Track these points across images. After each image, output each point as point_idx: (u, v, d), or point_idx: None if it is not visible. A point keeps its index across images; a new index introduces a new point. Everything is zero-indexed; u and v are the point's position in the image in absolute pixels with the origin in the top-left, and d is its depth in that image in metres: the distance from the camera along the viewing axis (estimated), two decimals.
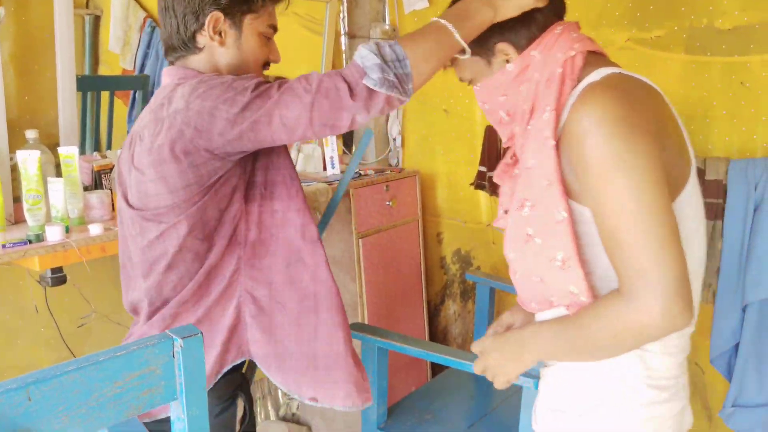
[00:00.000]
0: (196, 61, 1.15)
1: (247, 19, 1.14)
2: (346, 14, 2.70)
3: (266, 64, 1.22)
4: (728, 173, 1.79)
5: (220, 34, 1.13)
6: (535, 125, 0.98)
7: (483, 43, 1.07)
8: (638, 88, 0.97)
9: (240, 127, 1.04)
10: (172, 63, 1.18)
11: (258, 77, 1.09)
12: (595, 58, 1.01)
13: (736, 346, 1.82)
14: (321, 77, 1.06)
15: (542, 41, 1.02)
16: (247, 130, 1.04)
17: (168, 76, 1.16)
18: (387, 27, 2.61)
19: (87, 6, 2.70)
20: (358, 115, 1.06)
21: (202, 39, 1.13)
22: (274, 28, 1.19)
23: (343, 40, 2.74)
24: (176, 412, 0.86)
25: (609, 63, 1.01)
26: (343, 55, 2.78)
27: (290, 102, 1.03)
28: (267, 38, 1.19)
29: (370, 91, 1.05)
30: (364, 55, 1.07)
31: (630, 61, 1.99)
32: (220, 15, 1.11)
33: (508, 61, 1.04)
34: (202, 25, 1.12)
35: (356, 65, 1.07)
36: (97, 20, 2.90)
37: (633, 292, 0.86)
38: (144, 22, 2.80)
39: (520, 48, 1.04)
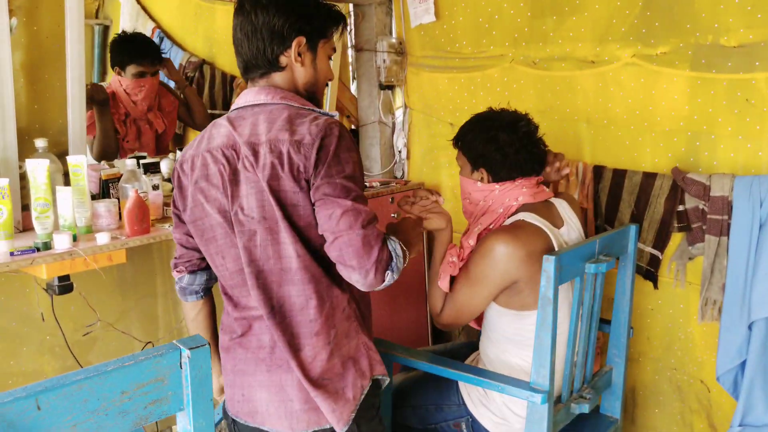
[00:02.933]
0: (279, 77, 1.31)
1: (320, 44, 1.33)
2: (353, 27, 2.72)
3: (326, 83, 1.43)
4: (734, 189, 1.79)
5: (300, 55, 1.31)
6: (473, 229, 1.67)
7: (473, 160, 1.66)
8: (526, 230, 1.56)
9: (349, 200, 1.22)
10: (251, 80, 1.33)
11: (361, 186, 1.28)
12: (529, 206, 1.63)
13: (743, 364, 1.81)
14: (379, 238, 1.23)
15: (506, 185, 1.64)
16: (343, 203, 1.21)
17: (264, 93, 1.30)
18: (394, 40, 2.63)
19: (97, 16, 2.73)
20: (358, 277, 1.22)
21: (284, 59, 1.30)
22: (335, 50, 1.40)
23: (350, 52, 2.77)
24: (183, 423, 0.86)
25: (532, 209, 1.61)
26: (350, 67, 2.80)
27: (362, 233, 1.21)
28: (329, 59, 1.40)
29: (380, 278, 1.24)
30: (399, 257, 1.28)
31: (635, 77, 2.00)
32: (303, 39, 1.30)
33: (481, 180, 1.66)
34: (288, 47, 1.29)
35: (396, 258, 1.27)
36: (106, 30, 2.93)
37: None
38: (153, 32, 2.83)
39: (494, 176, 1.64)
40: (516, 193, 1.64)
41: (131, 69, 2.29)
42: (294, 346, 1.26)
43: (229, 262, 1.30)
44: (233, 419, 1.34)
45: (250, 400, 1.30)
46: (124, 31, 2.52)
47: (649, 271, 2.02)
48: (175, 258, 1.44)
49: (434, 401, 1.70)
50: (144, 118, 2.39)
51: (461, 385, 1.66)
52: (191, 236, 1.37)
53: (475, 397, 1.63)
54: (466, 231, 1.71)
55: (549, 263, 1.43)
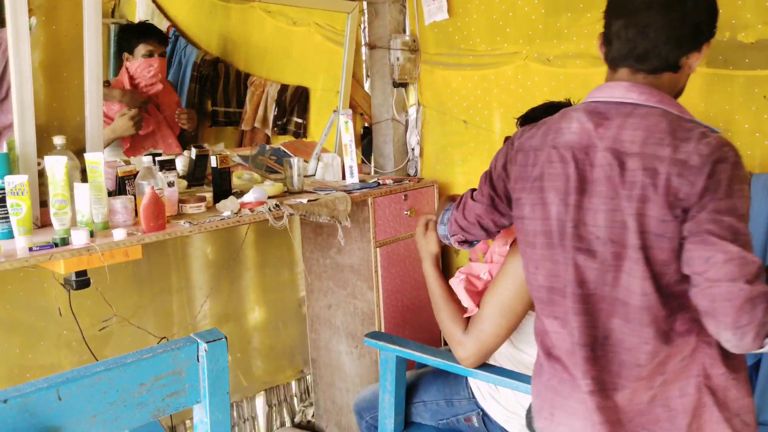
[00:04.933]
0: (666, 79, 1.14)
1: None
2: (366, 25, 2.73)
3: None
4: (750, 187, 1.77)
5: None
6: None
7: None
8: None
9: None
10: (624, 68, 1.14)
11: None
12: None
13: (757, 363, 1.80)
14: (765, 297, 0.98)
15: None
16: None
17: (637, 91, 1.11)
18: (407, 38, 2.63)
19: (113, 15, 2.75)
20: (729, 337, 1.00)
21: (685, 61, 1.13)
22: None
23: (364, 50, 2.77)
24: (199, 416, 0.87)
25: None
26: (364, 65, 2.81)
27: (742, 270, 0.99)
28: None
29: (757, 343, 1.00)
30: None
31: None
32: (710, 42, 1.14)
33: None
34: (697, 50, 1.12)
35: None
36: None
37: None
38: (168, 30, 2.85)
39: None
40: None
41: (140, 50, 2.33)
42: (608, 385, 1.11)
43: (540, 275, 1.18)
44: None
45: (558, 423, 1.18)
46: (130, 21, 2.57)
47: None
48: (460, 228, 1.38)
49: (445, 396, 1.71)
50: (151, 100, 2.42)
51: (470, 379, 1.65)
52: (497, 224, 1.32)
53: (485, 391, 1.63)
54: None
55: None
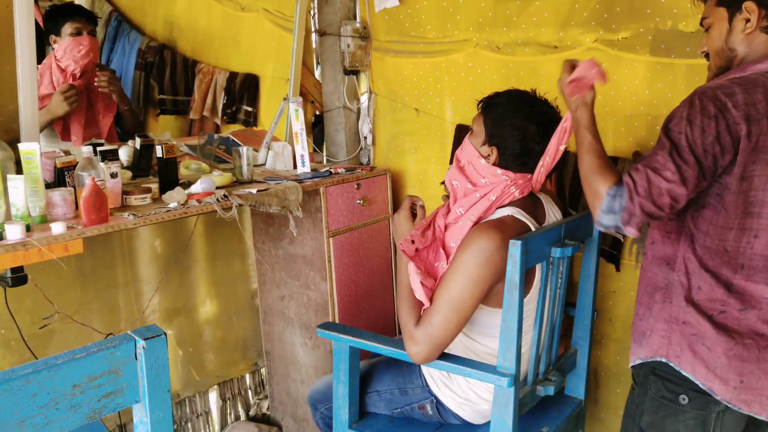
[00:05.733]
0: None
1: None
2: (316, 11, 2.68)
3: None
4: None
5: None
6: (464, 221, 1.56)
7: (491, 135, 1.57)
8: (513, 227, 1.51)
9: None
10: None
11: None
12: (516, 201, 1.58)
13: None
14: None
15: (507, 174, 1.56)
16: None
17: None
18: (358, 25, 2.60)
19: None
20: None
21: None
22: None
23: (314, 37, 2.73)
24: (139, 415, 0.84)
25: (519, 204, 1.57)
26: (314, 52, 2.77)
27: None
28: None
29: None
30: None
31: None
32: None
33: (487, 157, 1.58)
34: None
35: None
36: None
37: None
38: (110, 16, 2.74)
39: (502, 161, 1.57)
40: (513, 186, 1.58)
41: (67, 29, 2.21)
42: None
43: (759, 243, 1.26)
44: (726, 405, 1.29)
45: (750, 388, 1.28)
46: (54, 3, 2.45)
47: (612, 253, 2.06)
48: (646, 214, 1.25)
49: (398, 385, 1.71)
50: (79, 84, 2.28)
51: (423, 367, 1.66)
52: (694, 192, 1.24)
53: (437, 378, 1.64)
54: (449, 213, 1.61)
55: (515, 248, 1.43)
